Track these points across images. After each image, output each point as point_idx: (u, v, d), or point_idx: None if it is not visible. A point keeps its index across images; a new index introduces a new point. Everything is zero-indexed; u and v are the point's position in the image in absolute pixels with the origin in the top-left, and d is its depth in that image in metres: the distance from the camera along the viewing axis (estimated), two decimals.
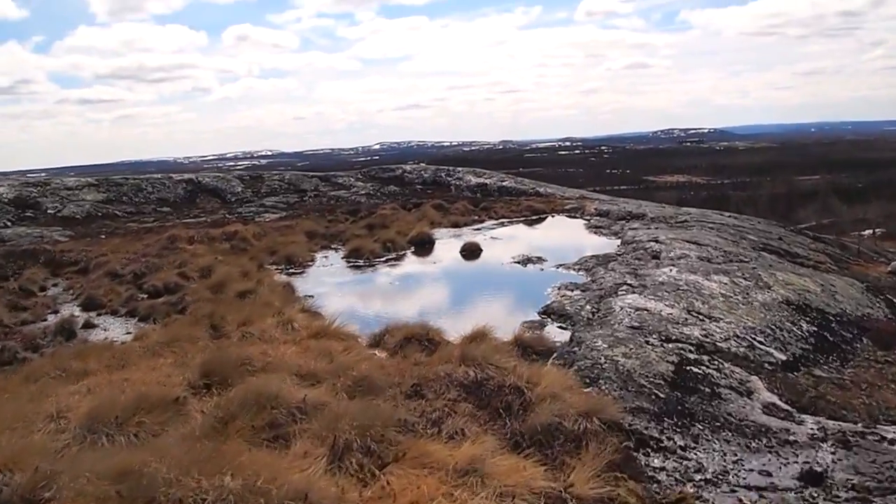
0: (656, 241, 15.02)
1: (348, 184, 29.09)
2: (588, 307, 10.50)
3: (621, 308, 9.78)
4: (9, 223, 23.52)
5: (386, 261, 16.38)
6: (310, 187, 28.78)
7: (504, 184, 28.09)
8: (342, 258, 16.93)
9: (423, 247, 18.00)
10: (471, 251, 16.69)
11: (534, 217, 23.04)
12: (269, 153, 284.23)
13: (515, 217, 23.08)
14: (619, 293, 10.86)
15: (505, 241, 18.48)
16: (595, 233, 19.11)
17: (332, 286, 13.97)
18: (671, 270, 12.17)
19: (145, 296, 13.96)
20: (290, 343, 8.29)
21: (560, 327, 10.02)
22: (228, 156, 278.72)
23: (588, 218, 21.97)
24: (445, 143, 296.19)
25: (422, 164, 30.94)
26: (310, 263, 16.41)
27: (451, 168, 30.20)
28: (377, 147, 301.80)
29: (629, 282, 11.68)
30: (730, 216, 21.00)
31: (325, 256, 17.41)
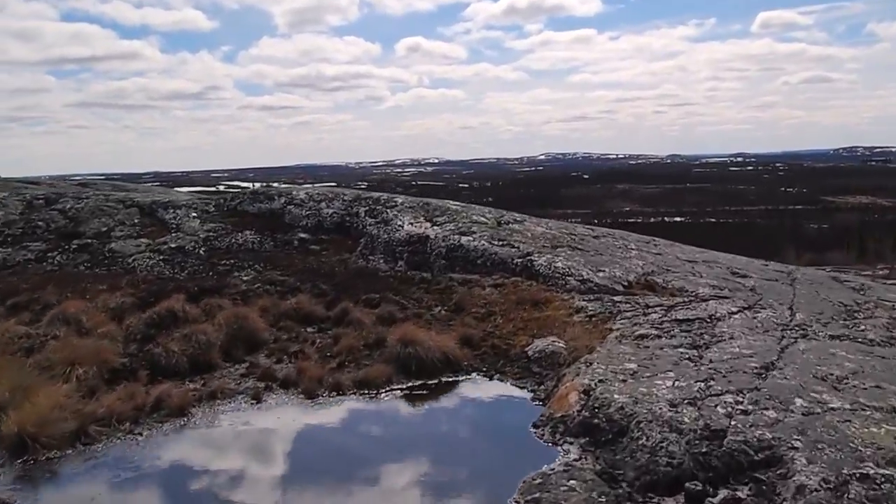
0: None
1: (176, 223, 13.53)
2: None
3: None
4: None
5: None
6: (94, 229, 13.58)
7: (466, 241, 11.24)
8: None
9: None
10: None
11: (408, 405, 6.52)
12: (436, 161, 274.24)
13: (356, 387, 6.66)
14: None
15: None
16: None
17: None
18: None
19: None
20: None
21: None
22: (397, 162, 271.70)
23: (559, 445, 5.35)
24: (611, 156, 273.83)
25: (334, 191, 14.56)
26: None
27: (379, 199, 13.51)
28: (542, 157, 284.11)
29: None
30: None
31: None
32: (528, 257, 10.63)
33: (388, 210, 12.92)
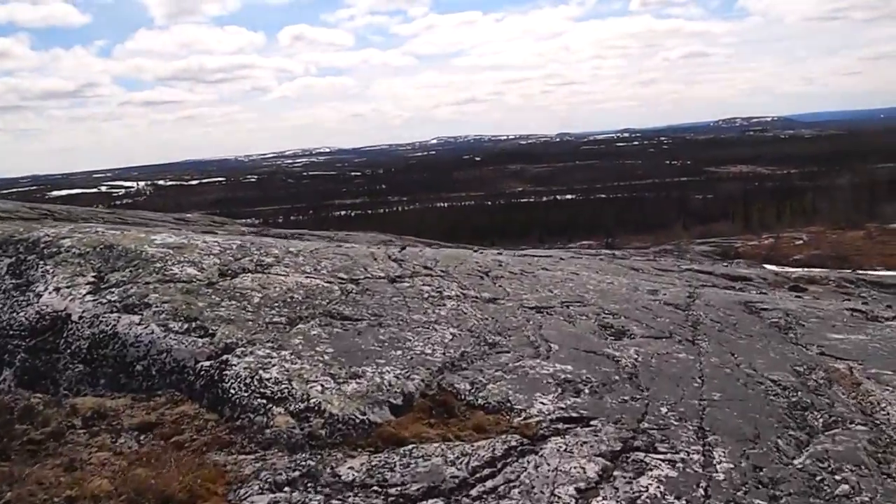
0: None
1: None
2: None
3: None
4: None
5: None
6: None
7: (126, 325, 5.63)
8: None
9: None
10: None
11: None
12: (328, 150, 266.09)
13: None
14: None
15: None
16: None
17: None
18: None
19: None
20: None
21: None
22: (287, 153, 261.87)
23: None
24: (502, 137, 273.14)
25: None
26: None
27: (37, 242, 8.17)
28: (434, 142, 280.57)
29: None
30: None
31: None
32: (224, 356, 5.44)
33: (43, 262, 7.51)
